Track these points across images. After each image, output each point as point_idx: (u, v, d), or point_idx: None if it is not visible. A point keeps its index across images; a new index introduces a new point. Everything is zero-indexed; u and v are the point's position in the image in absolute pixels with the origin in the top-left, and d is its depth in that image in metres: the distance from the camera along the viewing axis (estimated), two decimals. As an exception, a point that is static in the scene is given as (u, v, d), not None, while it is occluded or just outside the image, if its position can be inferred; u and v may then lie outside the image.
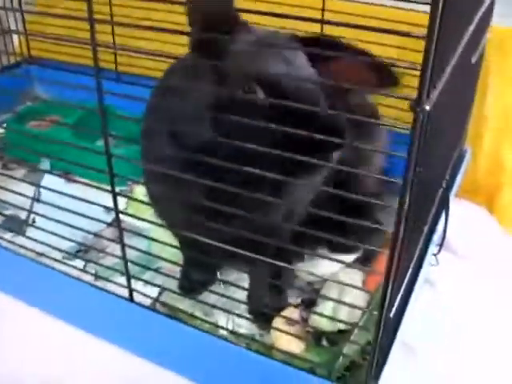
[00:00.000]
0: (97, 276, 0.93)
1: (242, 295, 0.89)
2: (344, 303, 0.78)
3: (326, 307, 0.85)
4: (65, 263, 0.88)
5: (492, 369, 0.82)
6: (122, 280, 0.80)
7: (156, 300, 0.88)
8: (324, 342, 0.83)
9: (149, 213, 0.87)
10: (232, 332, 0.82)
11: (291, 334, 0.80)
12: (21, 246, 0.89)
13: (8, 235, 0.99)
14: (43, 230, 0.85)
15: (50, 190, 0.85)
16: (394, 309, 0.59)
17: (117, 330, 0.83)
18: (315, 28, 0.95)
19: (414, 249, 0.69)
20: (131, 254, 0.77)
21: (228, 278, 0.95)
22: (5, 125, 1.37)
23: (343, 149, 0.63)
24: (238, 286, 0.84)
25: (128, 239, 0.76)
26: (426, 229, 0.73)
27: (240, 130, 0.62)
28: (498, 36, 1.21)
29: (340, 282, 0.86)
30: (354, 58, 0.70)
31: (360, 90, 0.82)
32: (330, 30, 0.85)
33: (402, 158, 0.49)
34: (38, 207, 1.06)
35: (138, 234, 0.81)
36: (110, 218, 1.02)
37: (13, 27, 1.42)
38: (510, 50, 1.23)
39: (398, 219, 0.52)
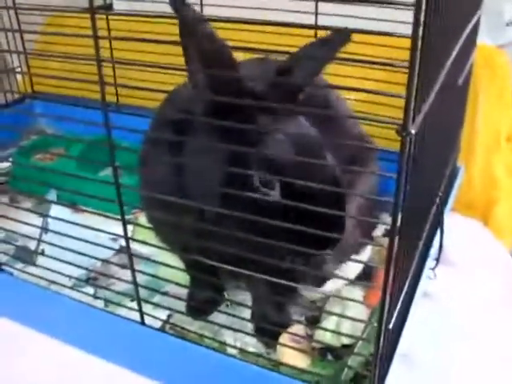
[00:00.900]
0: (107, 301, 0.95)
1: (249, 314, 0.93)
2: (347, 317, 0.81)
3: (329, 323, 0.87)
4: (75, 290, 0.91)
5: (491, 380, 0.85)
6: (132, 305, 0.84)
7: (166, 322, 0.91)
8: (329, 357, 0.86)
9: (154, 239, 0.91)
10: (240, 350, 0.85)
11: (297, 349, 0.83)
12: (32, 275, 0.93)
13: (19, 265, 1.03)
14: (53, 258, 0.88)
15: (57, 219, 0.89)
16: (392, 321, 0.62)
17: (129, 354, 0.85)
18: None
19: (410, 263, 0.72)
20: (139, 279, 0.80)
21: (235, 298, 0.98)
22: (10, 159, 1.40)
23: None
24: (245, 306, 0.87)
25: (136, 265, 0.79)
26: (420, 244, 0.76)
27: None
28: (486, 54, 1.26)
29: (342, 297, 0.89)
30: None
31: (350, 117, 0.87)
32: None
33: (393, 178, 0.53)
34: (46, 238, 1.10)
35: (147, 258, 0.84)
36: (116, 246, 1.06)
37: (16, 63, 1.47)
38: (497, 68, 1.27)
39: (391, 236, 0.55)
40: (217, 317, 0.92)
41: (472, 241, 1.19)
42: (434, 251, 0.93)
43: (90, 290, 1.00)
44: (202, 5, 1.29)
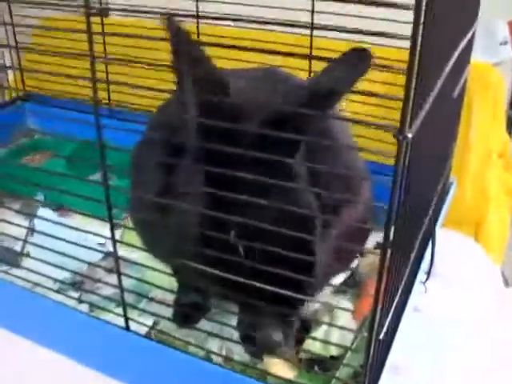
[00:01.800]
0: (92, 306, 0.94)
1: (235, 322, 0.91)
2: (336, 326, 0.80)
3: (318, 333, 0.86)
4: (60, 293, 0.90)
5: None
6: (118, 310, 0.82)
7: (151, 328, 0.89)
8: (316, 369, 0.85)
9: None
10: (226, 358, 0.83)
11: (284, 359, 0.81)
12: (16, 277, 0.91)
13: (3, 267, 1.01)
14: (38, 260, 0.86)
15: (44, 220, 0.88)
16: (383, 331, 0.61)
17: (112, 360, 0.84)
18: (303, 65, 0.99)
19: (401, 275, 0.71)
20: (126, 284, 0.79)
21: (221, 305, 0.96)
22: (-1, 161, 1.39)
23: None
24: (231, 313, 0.85)
25: (123, 270, 0.77)
26: (412, 256, 0.75)
27: None
28: (480, 71, 1.27)
29: (331, 306, 0.88)
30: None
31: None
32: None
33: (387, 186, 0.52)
34: (31, 240, 1.08)
35: (134, 262, 0.83)
36: (104, 251, 1.04)
37: (7, 61, 1.46)
38: (491, 85, 1.28)
39: (384, 246, 0.55)
40: (203, 325, 0.91)
41: (462, 256, 1.19)
42: (425, 265, 0.92)
43: (76, 294, 0.99)
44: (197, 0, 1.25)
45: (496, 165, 1.29)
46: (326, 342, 0.83)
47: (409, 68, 0.45)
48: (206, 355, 0.84)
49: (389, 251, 0.55)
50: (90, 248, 0.82)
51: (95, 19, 1.07)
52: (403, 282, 0.73)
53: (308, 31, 1.15)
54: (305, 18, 1.11)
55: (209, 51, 0.66)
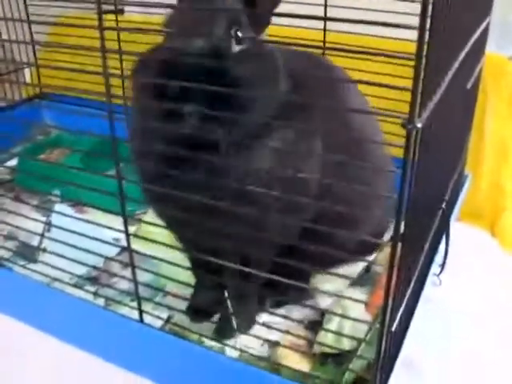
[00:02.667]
0: (108, 299, 0.95)
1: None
2: (349, 318, 0.80)
3: (331, 326, 0.86)
4: (77, 287, 0.91)
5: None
6: (133, 304, 0.83)
7: (166, 321, 0.90)
8: (329, 363, 0.85)
9: (157, 238, 0.90)
10: (240, 351, 0.84)
11: (298, 352, 0.81)
12: (33, 271, 0.93)
13: (21, 262, 1.03)
14: (55, 255, 0.88)
15: (61, 215, 0.89)
16: (395, 323, 0.61)
17: (127, 353, 0.85)
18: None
19: (414, 266, 0.71)
20: (142, 279, 0.80)
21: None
22: (17, 158, 1.41)
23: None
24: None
25: (138, 264, 0.78)
26: (426, 247, 0.75)
27: None
28: (494, 63, 1.26)
29: (345, 297, 0.88)
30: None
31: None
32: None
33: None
34: (49, 236, 1.09)
35: (149, 256, 0.83)
36: (118, 248, 1.06)
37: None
38: (506, 78, 1.27)
39: (395, 237, 0.54)
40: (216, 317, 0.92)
41: (478, 250, 1.18)
42: (439, 257, 0.92)
43: (92, 288, 1.00)
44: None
45: (512, 158, 1.28)
46: (339, 334, 0.82)
47: (417, 55, 0.45)
48: (220, 348, 0.84)
49: (399, 244, 0.55)
50: (105, 242, 0.83)
51: (111, 16, 1.08)
52: (416, 274, 0.73)
53: (321, 24, 1.15)
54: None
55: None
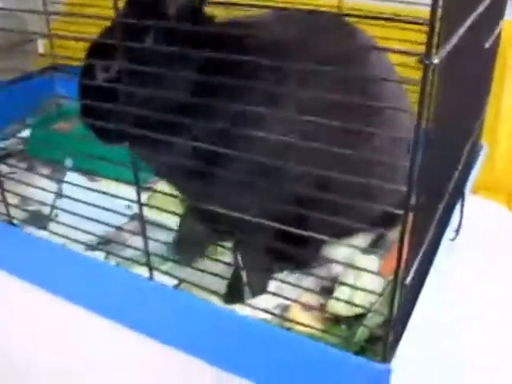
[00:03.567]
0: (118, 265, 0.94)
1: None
2: (361, 289, 0.79)
3: (342, 292, 0.85)
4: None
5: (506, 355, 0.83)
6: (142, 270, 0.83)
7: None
8: (342, 327, 0.84)
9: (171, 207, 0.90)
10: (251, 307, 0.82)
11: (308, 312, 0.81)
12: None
13: (31, 230, 1.02)
14: (65, 224, 0.88)
15: (72, 184, 0.89)
16: (410, 276, 0.60)
17: (138, 314, 0.84)
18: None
19: (427, 227, 0.69)
20: (152, 247, 0.80)
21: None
22: (29, 128, 1.41)
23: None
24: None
25: (149, 233, 0.78)
26: (442, 203, 0.73)
27: None
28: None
29: (356, 267, 0.87)
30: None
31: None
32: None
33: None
34: (60, 204, 1.09)
35: (159, 225, 0.83)
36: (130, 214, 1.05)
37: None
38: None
39: (409, 182, 0.53)
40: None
41: (494, 224, 1.16)
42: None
43: (101, 255, 1.00)
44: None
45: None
46: (350, 302, 0.81)
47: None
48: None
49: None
50: (115, 212, 0.83)
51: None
52: (428, 237, 0.71)
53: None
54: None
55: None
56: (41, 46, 1.55)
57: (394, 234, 0.99)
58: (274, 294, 0.84)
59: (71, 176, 1.17)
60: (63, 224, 0.88)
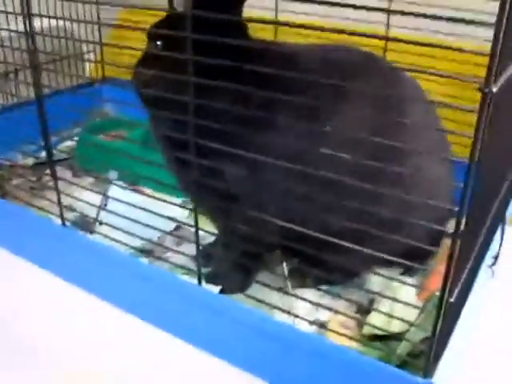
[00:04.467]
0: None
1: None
2: (400, 301, 0.81)
3: (381, 310, 0.87)
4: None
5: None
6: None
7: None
8: (378, 344, 0.85)
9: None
10: (289, 313, 0.84)
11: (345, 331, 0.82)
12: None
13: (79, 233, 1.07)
14: (112, 227, 0.91)
15: (117, 196, 0.93)
16: (455, 294, 0.62)
17: (185, 320, 0.86)
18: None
19: (472, 247, 0.71)
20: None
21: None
22: (76, 138, 1.46)
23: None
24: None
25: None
26: (485, 226, 0.75)
27: None
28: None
29: (395, 278, 0.89)
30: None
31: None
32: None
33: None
34: (104, 214, 1.13)
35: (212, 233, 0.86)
36: (173, 225, 1.11)
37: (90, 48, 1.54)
38: None
39: (461, 202, 0.55)
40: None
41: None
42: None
43: (146, 260, 1.04)
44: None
45: None
46: (390, 316, 0.82)
47: (498, 18, 0.46)
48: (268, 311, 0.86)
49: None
50: (162, 216, 0.85)
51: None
52: (471, 261, 0.73)
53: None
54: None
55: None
56: (92, 58, 1.61)
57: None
58: (316, 304, 0.85)
59: (116, 188, 1.21)
60: (110, 226, 0.92)
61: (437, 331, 0.62)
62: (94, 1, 1.20)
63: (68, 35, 1.48)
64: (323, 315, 0.91)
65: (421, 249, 0.67)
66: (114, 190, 1.18)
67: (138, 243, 1.01)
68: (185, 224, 0.89)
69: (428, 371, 0.63)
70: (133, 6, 0.80)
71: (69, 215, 1.13)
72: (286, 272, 0.98)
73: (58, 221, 0.96)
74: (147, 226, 0.86)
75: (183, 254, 0.91)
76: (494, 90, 0.49)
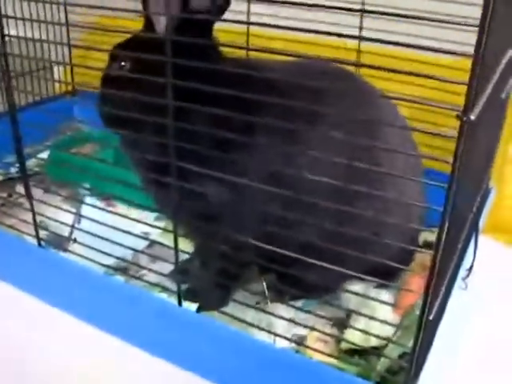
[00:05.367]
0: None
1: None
2: (376, 319, 0.82)
3: (358, 324, 0.88)
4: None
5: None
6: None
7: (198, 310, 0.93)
8: (356, 359, 0.86)
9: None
10: (269, 332, 0.84)
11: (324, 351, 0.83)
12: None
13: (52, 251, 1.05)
14: (85, 246, 0.91)
15: (91, 207, 0.92)
16: (434, 311, 0.63)
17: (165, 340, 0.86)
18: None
19: (449, 262, 0.72)
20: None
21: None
22: (46, 153, 1.43)
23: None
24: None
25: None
26: (461, 241, 0.77)
27: None
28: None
29: (372, 298, 0.89)
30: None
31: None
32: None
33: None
34: (79, 227, 1.12)
35: (188, 253, 0.85)
36: (146, 242, 1.09)
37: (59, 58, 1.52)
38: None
39: (441, 225, 0.57)
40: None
41: (501, 265, 1.20)
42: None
43: (121, 278, 1.02)
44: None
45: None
46: (366, 333, 0.83)
47: (476, 49, 0.48)
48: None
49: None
50: (135, 236, 0.86)
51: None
52: (448, 276, 0.74)
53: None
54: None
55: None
56: (61, 73, 1.59)
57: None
58: (293, 322, 0.86)
59: (90, 201, 1.20)
60: (83, 245, 0.92)
61: (417, 348, 0.63)
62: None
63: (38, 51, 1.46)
64: (301, 330, 0.92)
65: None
66: (87, 208, 1.16)
67: (111, 261, 0.99)
68: (160, 243, 0.89)
69: (409, 387, 0.64)
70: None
71: (41, 233, 1.11)
72: (265, 287, 0.98)
73: (32, 240, 0.95)
74: (120, 244, 0.86)
75: (160, 273, 0.91)
76: (473, 117, 0.51)
